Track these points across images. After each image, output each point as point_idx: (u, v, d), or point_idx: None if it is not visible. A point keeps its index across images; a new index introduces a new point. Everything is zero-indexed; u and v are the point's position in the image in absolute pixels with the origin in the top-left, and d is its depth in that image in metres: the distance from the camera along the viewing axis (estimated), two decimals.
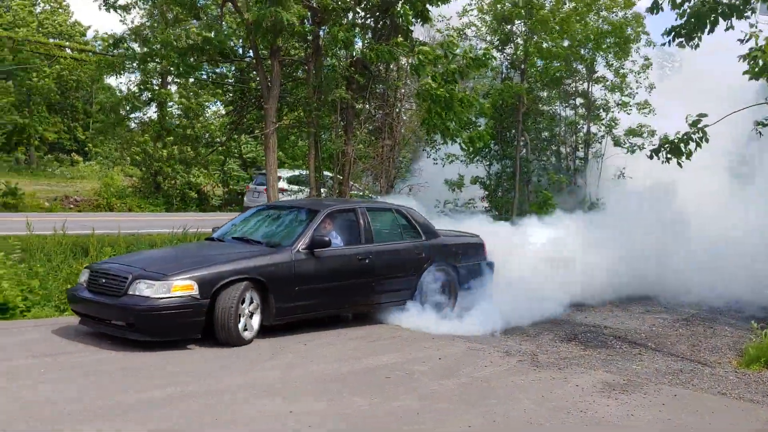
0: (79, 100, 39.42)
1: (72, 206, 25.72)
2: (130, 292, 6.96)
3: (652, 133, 15.23)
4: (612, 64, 16.64)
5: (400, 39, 11.26)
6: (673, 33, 9.42)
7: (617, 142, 16.56)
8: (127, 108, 28.71)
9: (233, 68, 19.15)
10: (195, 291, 6.95)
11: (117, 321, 7.01)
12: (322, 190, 13.48)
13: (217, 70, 23.27)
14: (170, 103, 29.07)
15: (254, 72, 15.90)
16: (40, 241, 11.92)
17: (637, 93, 16.71)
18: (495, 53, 16.49)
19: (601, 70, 16.82)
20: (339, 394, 5.78)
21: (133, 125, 30.74)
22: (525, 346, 7.79)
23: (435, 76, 11.03)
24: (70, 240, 12.31)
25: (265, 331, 7.45)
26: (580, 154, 16.82)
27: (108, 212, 24.35)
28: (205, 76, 19.22)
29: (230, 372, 6.29)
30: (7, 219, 18.61)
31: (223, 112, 28.33)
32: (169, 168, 26.28)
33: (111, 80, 36.43)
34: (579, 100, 16.95)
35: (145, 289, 6.92)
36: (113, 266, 7.44)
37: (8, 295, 8.14)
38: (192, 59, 12.17)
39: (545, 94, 17.09)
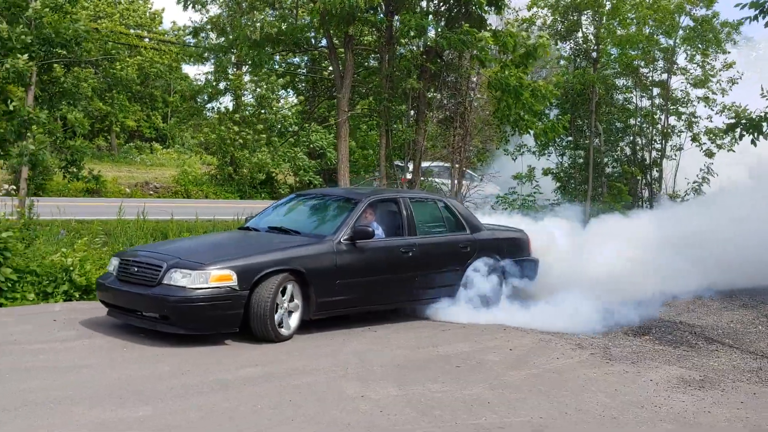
0: (158, 89, 40.57)
1: (151, 192, 26.63)
2: (165, 282, 6.64)
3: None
4: (694, 56, 16.08)
5: (467, 26, 11.18)
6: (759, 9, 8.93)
7: (696, 139, 16.05)
8: (205, 97, 29.57)
9: (306, 58, 19.41)
10: (234, 282, 6.63)
11: (149, 312, 6.70)
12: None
13: (290, 60, 23.66)
14: (245, 92, 29.73)
15: (326, 62, 16.13)
16: (122, 226, 12.44)
17: (724, 91, 16.04)
18: (562, 43, 16.24)
19: (681, 61, 16.29)
20: (412, 380, 5.88)
21: (209, 114, 31.62)
22: (597, 339, 7.72)
23: (505, 63, 10.90)
24: (150, 225, 12.80)
25: (316, 325, 7.34)
26: (657, 146, 16.36)
27: (185, 199, 25.12)
28: (277, 66, 19.51)
29: (309, 356, 6.47)
30: (90, 204, 19.48)
31: (296, 101, 28.80)
32: (241, 156, 26.85)
33: (188, 69, 37.42)
34: (656, 90, 16.48)
35: (180, 278, 6.60)
36: (146, 254, 7.17)
37: (92, 277, 8.51)
38: (266, 50, 12.41)
39: (620, 82, 16.67)
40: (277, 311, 6.81)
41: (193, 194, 26.39)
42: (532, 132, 11.98)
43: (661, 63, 16.34)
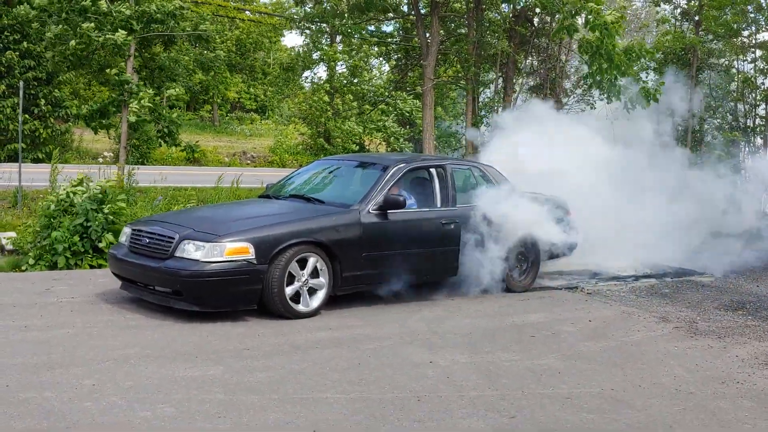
0: (257, 60, 41.44)
1: (248, 162, 27.41)
2: (177, 255, 6.26)
3: None
4: None
5: None
6: None
7: None
8: (300, 66, 30.01)
9: (398, 26, 19.32)
10: (251, 255, 6.20)
11: (161, 287, 6.32)
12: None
13: (383, 29, 23.59)
14: (338, 63, 29.94)
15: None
16: (217, 193, 12.90)
17: None
18: (664, 5, 15.43)
19: None
20: (482, 348, 5.84)
21: (305, 84, 32.08)
22: (685, 312, 7.41)
23: (593, 25, 10.41)
24: (243, 192, 13.22)
25: (384, 295, 7.17)
26: (761, 111, 15.38)
27: (280, 168, 25.69)
28: (370, 36, 19.51)
29: (377, 323, 6.53)
30: (190, 173, 20.21)
31: (387, 69, 28.78)
32: (332, 125, 27.16)
33: (286, 41, 38.00)
34: (759, 53, 15.44)
35: (194, 251, 6.20)
36: (158, 224, 6.75)
37: None
38: (353, 18, 12.44)
39: (719, 45, 15.73)
40: (291, 284, 6.40)
41: (288, 163, 26.95)
42: (624, 99, 11.48)
43: (762, 22, 15.30)
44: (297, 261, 6.46)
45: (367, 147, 29.35)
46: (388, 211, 7.04)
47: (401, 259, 7.07)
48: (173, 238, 6.40)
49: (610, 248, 9.24)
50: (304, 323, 6.35)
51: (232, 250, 6.21)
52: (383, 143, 29.79)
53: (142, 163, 19.97)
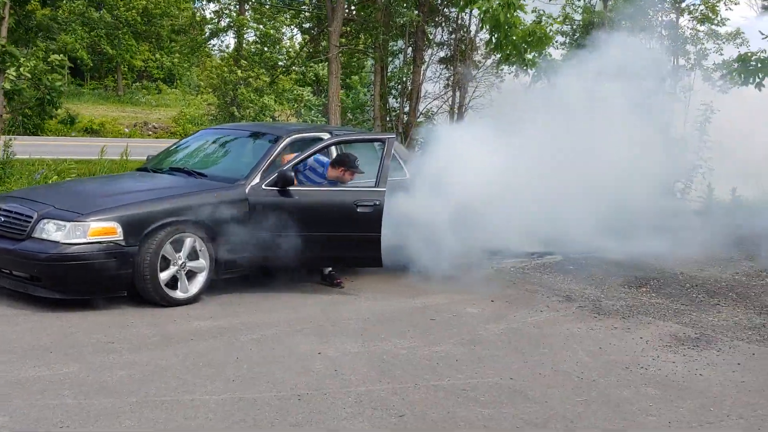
0: (164, 28, 39.72)
1: (150, 133, 26.23)
2: (35, 236, 5.60)
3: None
4: None
5: None
6: None
7: (708, 76, 15.18)
8: (206, 33, 28.76)
9: None
10: (119, 235, 5.58)
11: (18, 272, 5.67)
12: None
13: None
14: (248, 31, 28.85)
15: None
16: (101, 166, 12.00)
17: (728, 21, 15.22)
18: None
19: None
20: (377, 335, 5.40)
21: (214, 52, 30.87)
22: (589, 290, 7.18)
23: None
24: (133, 165, 12.33)
25: (278, 277, 6.60)
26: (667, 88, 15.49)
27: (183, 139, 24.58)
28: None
29: (267, 309, 6.00)
30: (86, 144, 19.05)
31: (300, 39, 27.97)
32: (242, 96, 26.19)
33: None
34: (664, 32, 15.55)
35: (54, 231, 5.56)
36: (16, 201, 6.05)
37: None
38: None
39: (626, 23, 15.74)
40: (167, 269, 5.80)
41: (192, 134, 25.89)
42: (532, 71, 11.18)
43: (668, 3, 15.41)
44: (172, 242, 5.83)
45: (278, 118, 28.48)
46: (278, 187, 6.31)
47: (300, 243, 6.26)
48: (31, 217, 5.72)
49: (518, 226, 8.96)
50: (181, 311, 5.75)
51: (96, 231, 5.56)
52: (294, 115, 29.00)
53: (36, 134, 18.69)
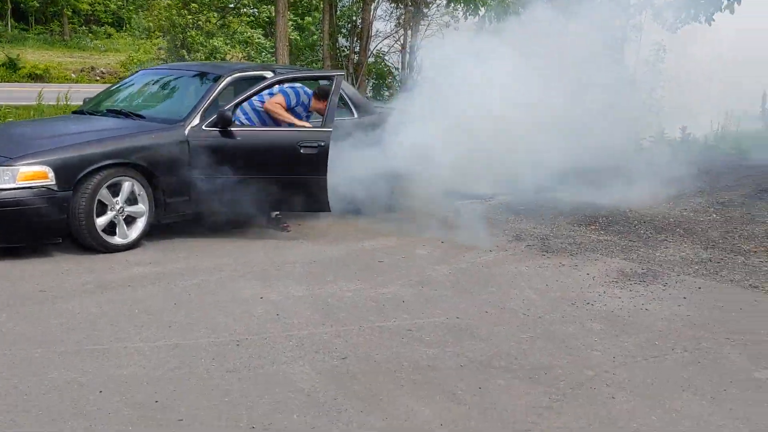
0: None
1: (98, 78, 25.33)
2: None
3: None
4: None
5: None
6: None
7: (658, 14, 15.07)
8: None
9: None
10: (50, 180, 5.34)
11: None
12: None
13: None
14: None
15: None
16: (45, 110, 11.53)
17: None
18: None
19: None
20: (324, 279, 5.28)
21: None
22: (538, 229, 7.14)
23: None
24: (73, 109, 11.86)
25: (226, 222, 6.37)
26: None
27: None
28: None
29: (211, 254, 5.82)
30: (30, 89, 18.30)
31: None
32: (192, 39, 25.37)
33: None
34: None
35: None
36: None
37: None
38: None
39: None
40: (105, 214, 5.61)
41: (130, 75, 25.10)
42: (484, 9, 10.95)
43: None
44: (109, 186, 5.59)
45: (229, 60, 27.72)
46: (220, 128, 6.07)
47: (243, 186, 6.08)
48: None
49: (472, 168, 8.83)
50: (120, 258, 5.54)
51: (26, 175, 5.30)
52: (245, 57, 28.24)
53: None
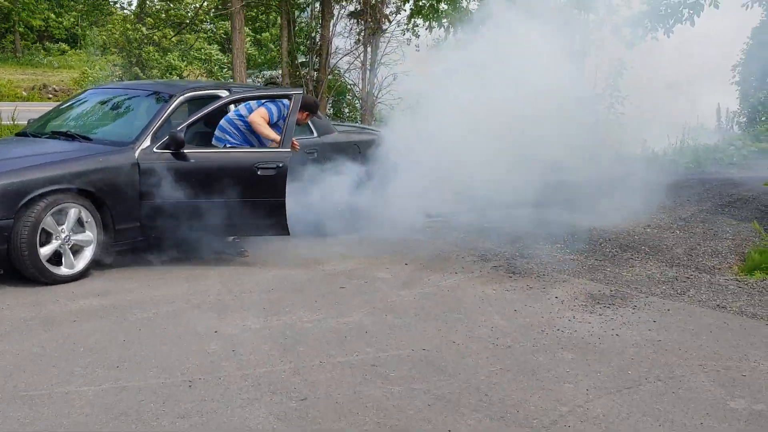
0: None
1: (50, 96, 24.70)
2: None
3: None
4: None
5: None
6: None
7: (617, 30, 15.18)
8: None
9: None
10: None
11: None
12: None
13: None
14: None
15: None
16: None
17: None
18: None
19: None
20: (282, 308, 5.04)
21: (118, 9, 29.22)
22: (504, 248, 7.00)
23: None
24: (20, 129, 11.43)
25: (179, 248, 6.06)
26: None
27: None
28: None
29: (166, 283, 5.53)
30: None
31: None
32: (147, 54, 24.96)
33: None
34: None
35: None
36: None
37: None
38: None
39: None
40: (49, 243, 5.29)
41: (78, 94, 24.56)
42: (446, 22, 10.84)
43: None
44: (54, 214, 5.27)
45: (186, 77, 27.31)
46: (172, 150, 5.80)
47: (197, 210, 5.84)
48: None
49: (436, 187, 8.67)
50: (66, 289, 5.23)
51: None
52: (204, 74, 27.87)
53: None
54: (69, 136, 6.16)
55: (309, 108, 6.72)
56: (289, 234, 6.23)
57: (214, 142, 6.42)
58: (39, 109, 15.07)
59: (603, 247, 7.23)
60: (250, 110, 6.43)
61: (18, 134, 6.89)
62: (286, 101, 6.52)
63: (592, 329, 4.85)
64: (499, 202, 8.65)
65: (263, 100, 6.47)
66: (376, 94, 12.51)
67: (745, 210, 9.37)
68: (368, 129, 8.25)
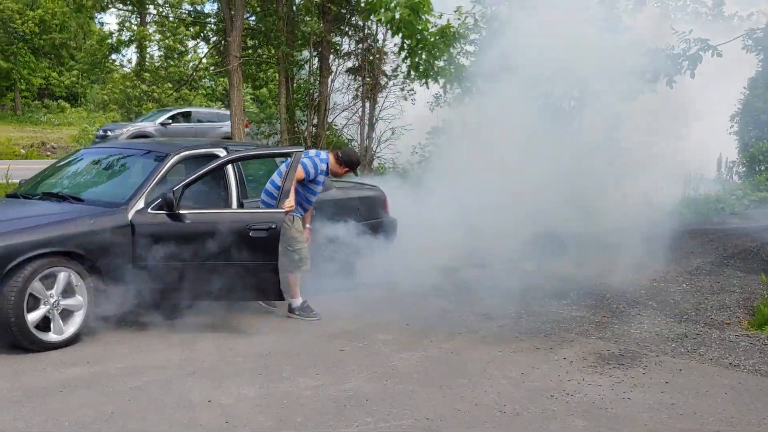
0: (65, 44, 38.01)
1: (48, 153, 24.69)
2: None
3: None
4: None
5: None
6: None
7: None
8: (109, 48, 27.55)
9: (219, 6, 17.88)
10: None
11: None
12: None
13: (199, 8, 21.96)
14: (151, 44, 27.86)
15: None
16: None
17: None
18: None
19: None
20: (279, 374, 4.83)
21: (116, 65, 29.60)
22: (509, 306, 6.80)
23: (398, 2, 9.43)
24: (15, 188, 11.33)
25: (171, 312, 5.89)
26: None
27: None
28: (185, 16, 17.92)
29: (157, 349, 5.33)
30: None
31: (204, 50, 27.10)
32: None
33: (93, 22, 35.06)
34: None
35: None
36: None
37: None
38: None
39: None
40: (38, 308, 5.06)
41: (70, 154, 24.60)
42: (442, 81, 10.80)
43: None
44: (42, 278, 5.08)
45: None
46: (166, 211, 5.58)
47: (191, 273, 5.59)
48: None
49: (438, 241, 8.52)
50: (54, 357, 5.01)
51: None
52: None
53: None
54: (60, 197, 5.97)
55: (350, 165, 6.47)
56: (283, 299, 6.02)
57: (260, 203, 6.28)
58: (35, 167, 15.02)
59: (610, 303, 7.05)
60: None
61: (8, 195, 6.72)
62: (320, 153, 6.41)
63: (602, 392, 4.64)
64: (504, 256, 8.51)
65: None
66: (374, 149, 12.46)
67: (750, 261, 9.22)
68: (367, 185, 8.12)
